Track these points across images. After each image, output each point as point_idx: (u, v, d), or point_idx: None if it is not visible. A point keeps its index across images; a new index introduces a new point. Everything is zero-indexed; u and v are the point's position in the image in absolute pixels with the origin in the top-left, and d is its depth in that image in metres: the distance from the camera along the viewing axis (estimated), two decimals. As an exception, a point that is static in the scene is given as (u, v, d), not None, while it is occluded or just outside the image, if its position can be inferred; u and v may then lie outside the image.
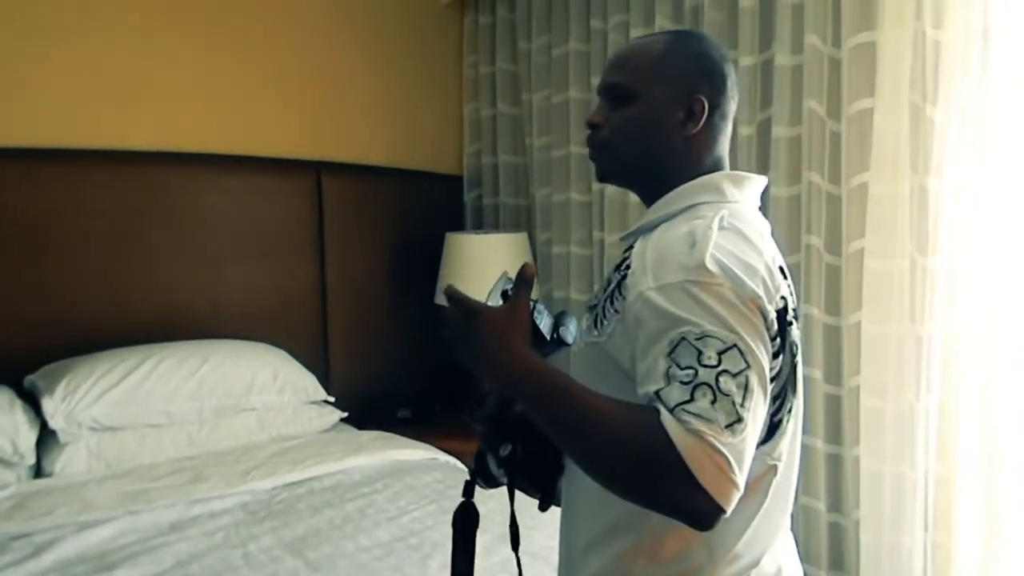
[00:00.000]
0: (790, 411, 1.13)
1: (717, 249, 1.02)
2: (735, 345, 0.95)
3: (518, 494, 1.26)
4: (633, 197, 2.88)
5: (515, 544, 1.25)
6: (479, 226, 3.58)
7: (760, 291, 1.02)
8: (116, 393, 2.48)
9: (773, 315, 1.03)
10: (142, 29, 2.88)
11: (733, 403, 0.91)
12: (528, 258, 3.20)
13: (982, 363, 2.17)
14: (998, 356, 2.15)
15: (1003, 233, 2.12)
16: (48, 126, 2.72)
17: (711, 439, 0.89)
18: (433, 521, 2.14)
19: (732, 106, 1.22)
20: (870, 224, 2.26)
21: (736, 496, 0.90)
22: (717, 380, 0.92)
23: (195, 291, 2.96)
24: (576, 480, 1.18)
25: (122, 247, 2.82)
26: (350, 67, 3.33)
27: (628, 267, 1.10)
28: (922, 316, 2.19)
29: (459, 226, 3.55)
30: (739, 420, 0.91)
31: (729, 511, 0.89)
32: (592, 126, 1.23)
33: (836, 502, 2.43)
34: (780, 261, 1.13)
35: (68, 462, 2.39)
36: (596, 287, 3.08)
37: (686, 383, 0.92)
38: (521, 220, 3.46)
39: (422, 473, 2.50)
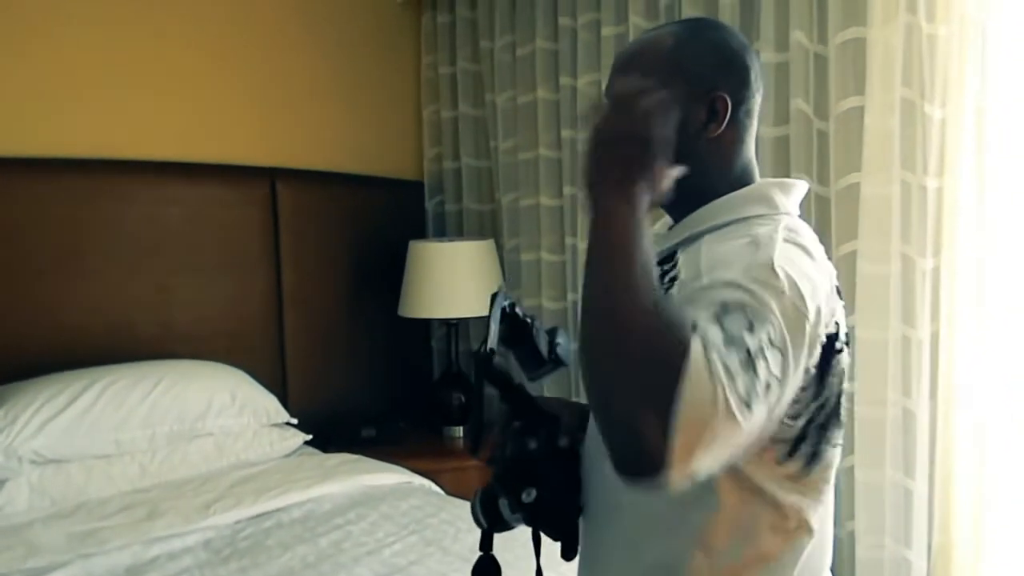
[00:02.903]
0: (830, 442, 1.00)
1: (782, 259, 0.91)
2: (782, 351, 0.84)
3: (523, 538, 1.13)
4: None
5: None
6: (442, 233, 3.43)
7: (815, 315, 0.90)
8: (60, 422, 2.27)
9: (821, 343, 0.92)
10: (80, 27, 2.67)
11: (754, 387, 0.79)
12: (495, 265, 3.07)
13: (981, 367, 2.11)
14: (997, 359, 2.09)
15: (1002, 232, 2.06)
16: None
17: (720, 390, 0.76)
18: (416, 555, 1.99)
19: (757, 100, 1.10)
20: (863, 226, 2.18)
21: (682, 472, 0.76)
22: (757, 356, 0.81)
23: (142, 309, 2.76)
24: (600, 524, 1.06)
25: (61, 263, 2.60)
26: (304, 69, 3.16)
27: (672, 279, 0.99)
28: (918, 319, 2.13)
29: (421, 234, 3.40)
30: (748, 406, 0.79)
31: (664, 478, 0.76)
32: None
33: (828, 513, 2.35)
34: (835, 279, 1.01)
35: (8, 500, 2.17)
36: (571, 295, 2.96)
37: (726, 332, 0.80)
38: (486, 226, 3.32)
39: (397, 500, 2.34)
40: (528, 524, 1.07)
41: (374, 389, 3.23)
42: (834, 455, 1.02)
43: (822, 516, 1.01)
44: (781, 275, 0.88)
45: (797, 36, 2.27)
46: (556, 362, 1.14)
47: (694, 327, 0.80)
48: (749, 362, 0.79)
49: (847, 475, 2.26)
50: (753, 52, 1.11)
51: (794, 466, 0.96)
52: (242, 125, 3.02)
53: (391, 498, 2.35)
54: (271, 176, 3.02)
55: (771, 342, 0.83)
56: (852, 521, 2.26)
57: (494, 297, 1.10)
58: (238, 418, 2.57)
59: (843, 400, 1.01)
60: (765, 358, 0.81)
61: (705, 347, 0.78)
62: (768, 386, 0.81)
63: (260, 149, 3.04)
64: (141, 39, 2.79)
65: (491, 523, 1.08)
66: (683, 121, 1.03)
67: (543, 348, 1.12)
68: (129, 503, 2.23)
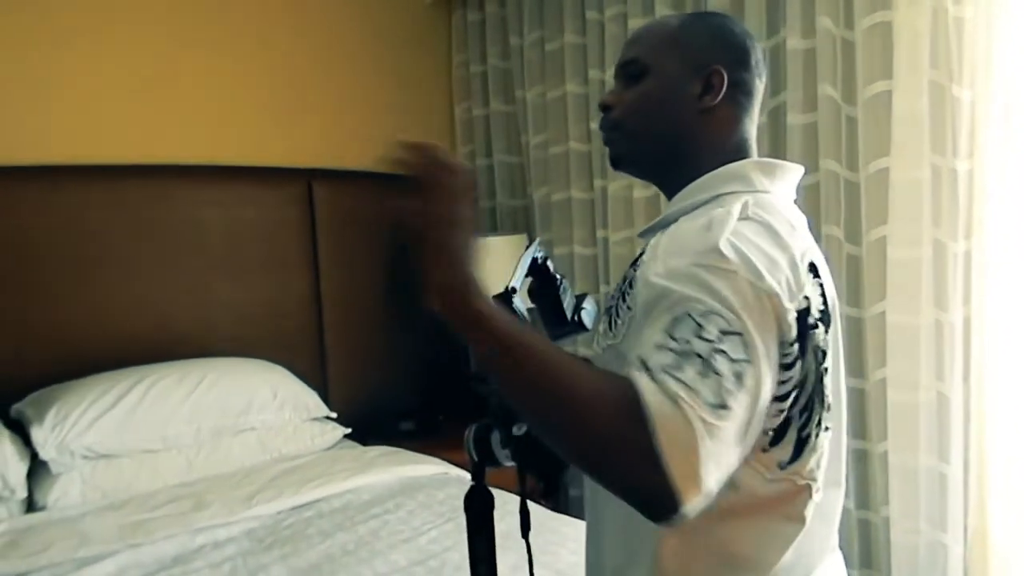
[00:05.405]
0: (819, 425, 0.99)
1: (735, 235, 0.91)
2: (740, 333, 0.83)
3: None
4: (638, 192, 2.82)
5: (525, 530, 1.12)
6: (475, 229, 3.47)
7: (779, 289, 0.89)
8: (109, 419, 2.36)
9: (792, 318, 0.91)
10: (117, 38, 2.76)
11: (721, 386, 0.79)
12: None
13: (1015, 349, 2.09)
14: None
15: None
16: (20, 142, 2.58)
17: (688, 409, 0.76)
18: (451, 541, 2.03)
19: (758, 85, 1.12)
20: (893, 211, 2.18)
21: (697, 496, 0.76)
22: (712, 356, 0.80)
23: (185, 309, 2.84)
24: (602, 502, 1.09)
25: (107, 266, 2.69)
26: (337, 71, 3.22)
27: (636, 263, 1.02)
28: (950, 303, 2.12)
29: (455, 230, 3.44)
30: (724, 406, 0.78)
31: (687, 509, 0.75)
32: (604, 107, 1.14)
33: (864, 499, 2.35)
34: (813, 257, 0.99)
35: (62, 494, 2.26)
36: (603, 288, 2.98)
37: (675, 351, 0.81)
38: (519, 221, 3.36)
39: (434, 489, 2.38)
40: (515, 460, 1.08)
41: (412, 383, 3.28)
42: (824, 440, 1.00)
43: (818, 505, 1.00)
44: (730, 254, 0.88)
45: (823, 22, 2.27)
46: (579, 325, 1.16)
47: (644, 363, 0.81)
48: (706, 366, 0.79)
49: (881, 460, 2.26)
50: (756, 43, 1.13)
51: (783, 452, 0.95)
52: (278, 127, 3.09)
53: (428, 488, 2.40)
54: (308, 177, 3.09)
55: (724, 332, 0.82)
56: (887, 506, 2.25)
57: (528, 246, 1.11)
58: (279, 413, 2.64)
59: (826, 380, 0.99)
60: (722, 351, 0.81)
61: (657, 379, 0.78)
62: (739, 375, 0.81)
63: (296, 151, 3.11)
64: (177, 46, 2.87)
65: (481, 457, 1.10)
66: (677, 93, 1.08)
67: (568, 308, 1.14)
68: (176, 495, 2.30)
